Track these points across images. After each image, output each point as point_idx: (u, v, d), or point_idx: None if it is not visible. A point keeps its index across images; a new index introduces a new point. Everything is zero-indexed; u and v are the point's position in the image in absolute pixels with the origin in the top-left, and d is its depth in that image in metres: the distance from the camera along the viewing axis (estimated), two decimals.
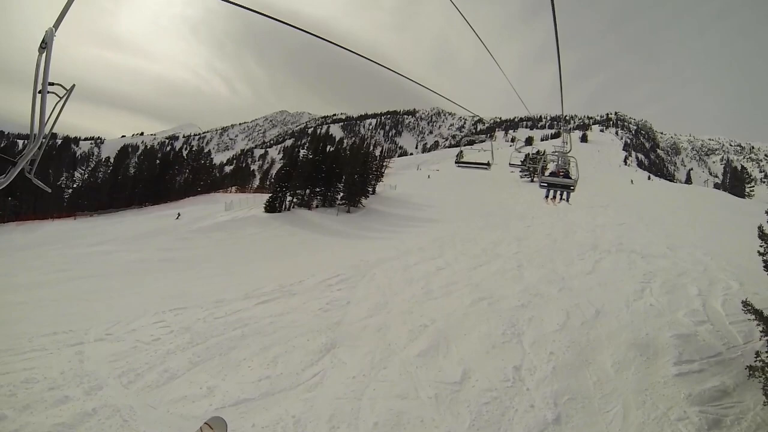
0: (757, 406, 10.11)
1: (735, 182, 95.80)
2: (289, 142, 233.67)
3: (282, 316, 13.86)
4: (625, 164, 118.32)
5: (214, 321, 13.24)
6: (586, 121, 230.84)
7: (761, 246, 11.06)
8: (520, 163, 14.76)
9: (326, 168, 44.48)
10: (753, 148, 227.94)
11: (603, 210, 36.90)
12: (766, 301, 14.41)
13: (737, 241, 28.67)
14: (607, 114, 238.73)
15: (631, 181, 66.71)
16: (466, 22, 4.84)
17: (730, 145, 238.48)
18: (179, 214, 36.25)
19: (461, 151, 13.33)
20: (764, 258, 10.95)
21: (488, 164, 11.66)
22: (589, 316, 14.22)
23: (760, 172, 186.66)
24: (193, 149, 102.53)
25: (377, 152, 68.35)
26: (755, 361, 10.23)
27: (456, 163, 12.61)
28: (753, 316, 11.07)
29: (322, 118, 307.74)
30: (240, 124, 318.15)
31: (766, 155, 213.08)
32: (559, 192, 12.45)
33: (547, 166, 13.22)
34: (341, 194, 45.23)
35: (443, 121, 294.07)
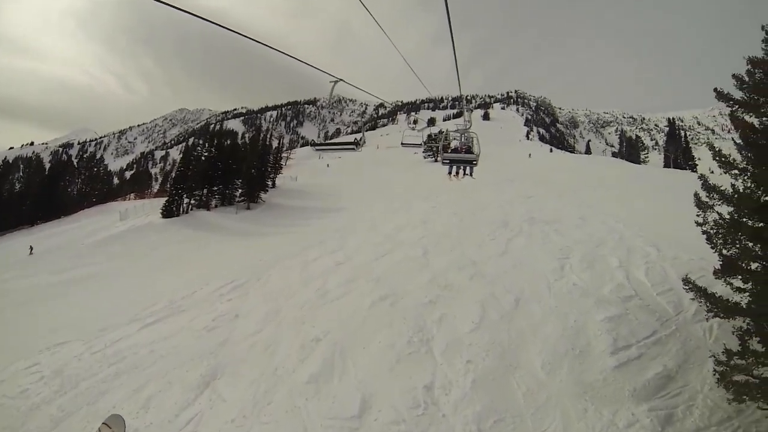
0: (704, 387, 9.14)
1: (631, 150, 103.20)
2: (190, 141, 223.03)
3: (165, 341, 13.05)
4: (527, 139, 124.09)
5: (90, 357, 12.41)
6: (488, 100, 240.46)
7: (698, 215, 10.10)
8: (419, 143, 16.32)
9: (223, 165, 43.27)
10: (644, 119, 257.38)
11: (510, 184, 36.52)
12: (687, 264, 14.31)
13: (645, 206, 29.34)
14: (508, 92, 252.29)
15: (529, 155, 68.49)
16: (364, 7, 4.89)
17: (624, 117, 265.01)
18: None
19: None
20: (703, 228, 9.94)
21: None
22: (508, 307, 12.53)
23: (651, 140, 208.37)
24: (84, 156, 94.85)
25: (277, 144, 66.13)
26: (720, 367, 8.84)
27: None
28: (693, 293, 9.91)
29: (222, 113, 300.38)
30: (138, 125, 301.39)
31: (656, 125, 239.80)
32: (462, 167, 12.87)
33: (450, 144, 14.14)
34: (240, 191, 44.59)
35: (344, 108, 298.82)
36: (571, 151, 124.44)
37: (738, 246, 9.00)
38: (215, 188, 43.45)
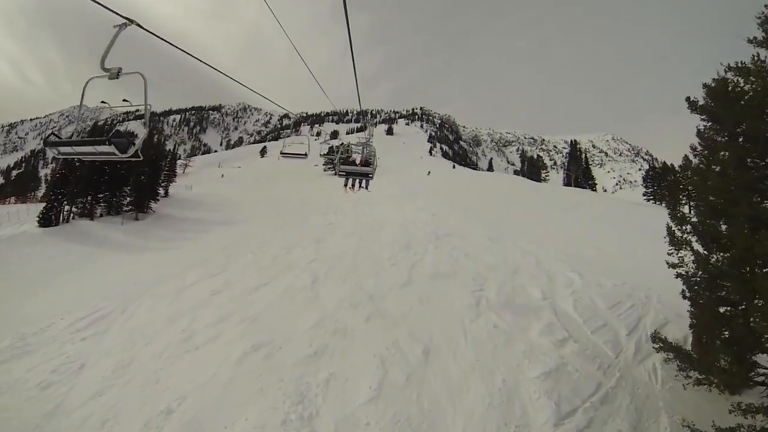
0: None
1: (532, 169, 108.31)
2: None
3: None
4: (430, 155, 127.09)
5: None
6: (393, 116, 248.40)
7: (671, 253, 9.88)
8: (303, 153, 15.06)
9: (110, 169, 39.45)
10: (544, 140, 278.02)
11: (412, 200, 35.02)
12: (613, 292, 14.01)
13: (554, 224, 29.05)
14: (413, 109, 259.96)
15: (428, 173, 68.81)
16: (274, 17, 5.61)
17: (525, 138, 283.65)
18: None
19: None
20: (678, 271, 9.71)
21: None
22: (415, 362, 10.05)
23: (550, 160, 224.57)
24: None
25: (181, 150, 61.94)
26: None
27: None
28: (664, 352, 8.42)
29: (123, 114, 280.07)
30: (31, 119, 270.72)
31: (555, 146, 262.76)
32: (358, 180, 13.45)
33: (352, 157, 14.18)
34: (128, 199, 41.25)
35: (249, 117, 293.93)
36: (473, 168, 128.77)
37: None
38: (101, 195, 39.83)
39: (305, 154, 13.78)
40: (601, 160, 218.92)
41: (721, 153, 9.41)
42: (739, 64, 8.96)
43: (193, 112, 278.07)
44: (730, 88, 9.32)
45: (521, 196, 44.30)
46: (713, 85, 9.66)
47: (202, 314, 13.58)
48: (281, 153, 14.50)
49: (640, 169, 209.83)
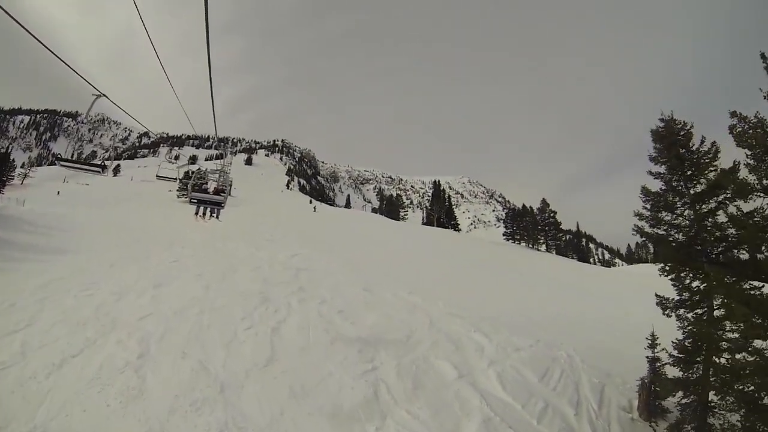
0: None
1: (391, 207, 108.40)
2: None
3: None
4: (288, 188, 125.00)
5: None
6: (254, 145, 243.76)
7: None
8: (175, 177, 13.65)
9: None
10: (402, 179, 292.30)
11: (269, 236, 31.17)
12: (533, 356, 11.95)
13: (429, 269, 26.58)
14: (274, 140, 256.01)
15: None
16: (144, 28, 4.92)
17: (383, 177, 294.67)
18: None
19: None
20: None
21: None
22: None
23: (407, 199, 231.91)
24: None
25: (25, 157, 51.26)
26: None
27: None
28: None
29: None
30: None
31: (412, 186, 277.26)
32: (209, 209, 13.29)
33: (207, 184, 14.68)
34: None
35: (107, 130, 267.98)
36: (330, 204, 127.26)
37: None
38: None
39: (176, 178, 13.20)
40: (457, 201, 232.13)
41: None
42: None
43: (46, 115, 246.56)
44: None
45: (386, 235, 42.35)
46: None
47: None
48: (156, 175, 13.54)
49: (494, 211, 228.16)
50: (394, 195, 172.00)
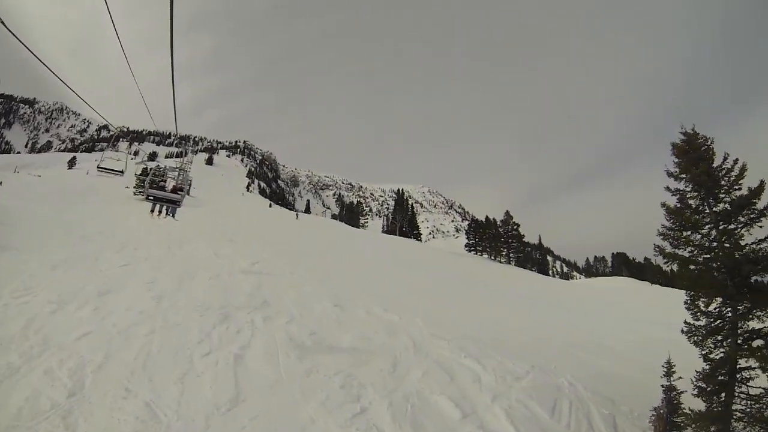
0: None
1: (351, 215, 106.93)
2: None
3: None
4: (248, 191, 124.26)
5: None
6: (215, 145, 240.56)
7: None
8: (120, 170, 13.82)
9: None
10: (362, 187, 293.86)
11: (227, 237, 29.12)
12: (533, 383, 10.73)
13: (397, 280, 25.22)
14: (236, 141, 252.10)
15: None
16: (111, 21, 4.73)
17: (343, 183, 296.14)
18: None
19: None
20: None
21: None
22: None
23: (366, 206, 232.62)
24: None
25: None
26: None
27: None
28: None
29: None
30: None
31: (372, 194, 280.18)
32: (166, 207, 13.76)
33: (166, 182, 14.30)
34: None
35: (65, 120, 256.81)
36: (290, 209, 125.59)
37: None
38: None
39: (122, 171, 13.33)
40: (417, 210, 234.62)
41: None
42: None
43: (1, 101, 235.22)
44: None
45: (349, 243, 41.16)
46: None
47: None
48: (98, 167, 13.58)
49: (452, 221, 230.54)
50: (354, 202, 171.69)
